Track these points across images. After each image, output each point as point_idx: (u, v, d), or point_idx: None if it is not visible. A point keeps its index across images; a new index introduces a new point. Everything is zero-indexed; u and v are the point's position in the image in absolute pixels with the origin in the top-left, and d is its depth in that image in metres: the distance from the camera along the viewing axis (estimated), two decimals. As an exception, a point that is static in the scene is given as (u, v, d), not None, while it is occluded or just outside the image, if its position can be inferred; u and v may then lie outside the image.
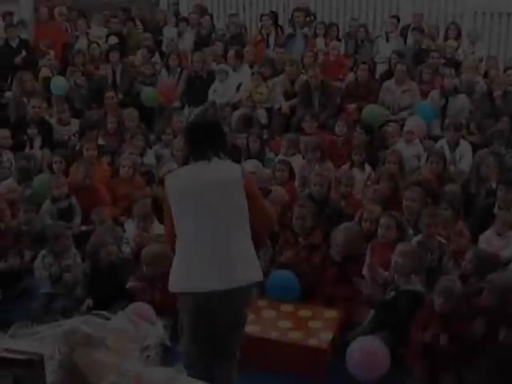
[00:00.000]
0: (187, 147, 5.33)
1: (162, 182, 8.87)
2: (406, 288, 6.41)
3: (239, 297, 4.90)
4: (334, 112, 11.34)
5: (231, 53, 12.60)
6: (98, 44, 13.74)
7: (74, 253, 7.34)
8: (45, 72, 12.56)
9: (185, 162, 5.38)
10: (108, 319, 5.24)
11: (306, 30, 14.07)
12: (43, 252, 7.29)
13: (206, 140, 4.99)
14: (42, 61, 13.35)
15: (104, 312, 5.55)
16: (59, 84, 11.96)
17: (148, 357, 5.20)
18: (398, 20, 14.55)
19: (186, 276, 5.00)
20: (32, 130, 10.46)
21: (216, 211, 4.84)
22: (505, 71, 12.14)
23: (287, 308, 6.63)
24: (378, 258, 6.93)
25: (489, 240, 7.50)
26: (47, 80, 12.12)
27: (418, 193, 7.72)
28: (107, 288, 6.88)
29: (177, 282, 5.06)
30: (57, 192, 8.38)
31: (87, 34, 14.54)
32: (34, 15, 14.40)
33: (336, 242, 7.04)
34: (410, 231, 7.39)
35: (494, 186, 8.41)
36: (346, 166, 9.22)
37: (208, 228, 4.85)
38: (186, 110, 12.24)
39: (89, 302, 6.87)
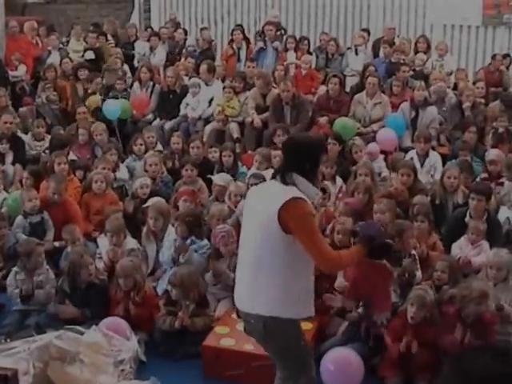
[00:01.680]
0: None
1: (133, 196, 8.94)
2: (378, 299, 6.45)
3: (257, 325, 4.81)
4: (306, 125, 11.39)
5: (204, 67, 12.63)
6: (70, 59, 13.76)
7: (47, 269, 7.32)
8: (94, 101, 12.36)
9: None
10: (82, 334, 5.26)
11: (276, 43, 14.13)
12: (15, 268, 7.26)
13: (289, 158, 4.87)
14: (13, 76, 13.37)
15: (78, 327, 5.58)
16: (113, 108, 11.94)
17: (123, 371, 5.22)
18: (369, 33, 14.70)
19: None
20: (4, 146, 10.41)
21: (252, 237, 4.78)
22: (474, 83, 12.29)
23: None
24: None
25: (461, 248, 7.57)
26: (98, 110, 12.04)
27: (389, 205, 7.78)
28: (82, 306, 6.87)
29: None
30: (28, 205, 8.33)
31: (60, 48, 14.53)
32: (4, 29, 14.35)
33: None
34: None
35: (459, 197, 8.49)
36: (317, 179, 9.24)
37: (244, 250, 4.92)
38: (157, 122, 12.26)
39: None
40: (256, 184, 8.64)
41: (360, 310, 6.13)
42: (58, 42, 14.71)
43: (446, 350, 6.03)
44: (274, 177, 4.90)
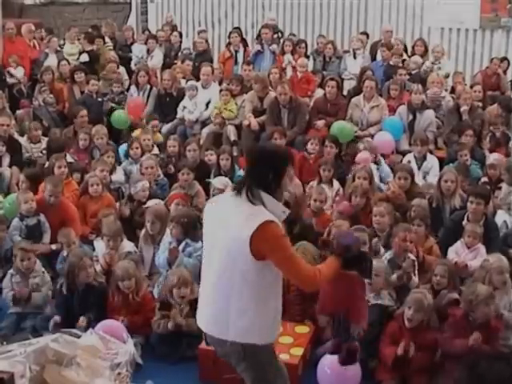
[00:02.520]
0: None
1: (130, 199, 8.94)
2: (375, 302, 6.45)
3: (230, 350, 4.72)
4: (303, 128, 11.39)
5: (207, 69, 12.62)
6: (68, 61, 13.77)
7: (42, 271, 7.30)
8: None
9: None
10: (78, 337, 5.24)
11: (274, 46, 14.13)
12: (11, 271, 7.25)
13: (252, 169, 4.67)
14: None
15: (74, 330, 5.56)
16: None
17: (119, 374, 5.20)
18: (367, 36, 14.71)
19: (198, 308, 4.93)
20: (0, 148, 10.39)
21: (220, 261, 4.60)
22: (471, 87, 12.30)
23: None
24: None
25: (458, 252, 7.57)
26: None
27: (387, 208, 7.78)
28: (81, 308, 6.86)
29: None
30: (24, 207, 8.32)
31: (57, 51, 14.53)
32: (1, 32, 14.34)
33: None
34: (380, 246, 7.44)
35: (456, 200, 8.49)
36: (313, 182, 9.26)
37: (211, 273, 4.70)
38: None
39: (56, 319, 6.83)
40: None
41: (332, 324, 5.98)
42: (57, 44, 14.70)
43: (451, 355, 6.01)
44: (239, 191, 4.62)
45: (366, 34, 14.90)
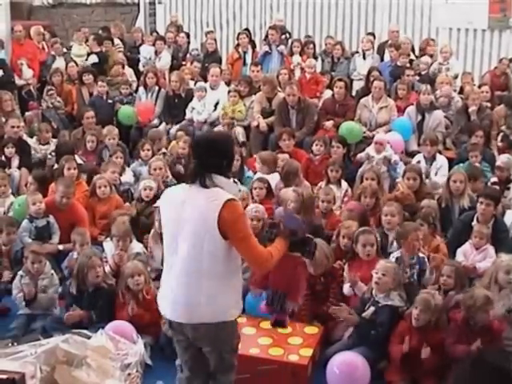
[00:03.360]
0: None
1: (140, 199, 8.96)
2: (385, 303, 6.44)
3: (205, 332, 4.82)
4: (311, 129, 11.39)
5: (216, 70, 12.66)
6: (76, 63, 13.82)
7: (51, 273, 7.32)
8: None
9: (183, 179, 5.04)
10: (88, 338, 5.26)
11: (281, 47, 14.14)
12: (20, 272, 7.26)
13: (203, 159, 4.76)
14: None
15: (84, 331, 5.58)
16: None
17: (129, 375, 5.23)
18: (374, 37, 14.69)
19: (161, 299, 5.00)
20: (10, 150, 10.43)
21: (186, 246, 4.70)
22: (479, 87, 12.28)
23: (267, 325, 6.63)
24: (356, 273, 6.97)
25: (466, 254, 7.56)
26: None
27: (399, 208, 7.79)
28: (90, 310, 6.88)
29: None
30: (33, 209, 8.35)
31: (64, 53, 14.56)
32: (11, 34, 14.38)
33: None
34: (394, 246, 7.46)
35: (465, 201, 8.48)
36: (322, 183, 9.27)
37: (177, 258, 4.77)
38: (162, 126, 12.26)
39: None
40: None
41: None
42: (61, 48, 14.72)
43: (456, 358, 6.01)
44: (192, 181, 4.76)
45: (372, 34, 14.87)
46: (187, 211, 4.69)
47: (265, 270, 5.07)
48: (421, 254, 7.05)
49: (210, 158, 4.74)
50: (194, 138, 5.13)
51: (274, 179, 9.18)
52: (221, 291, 4.72)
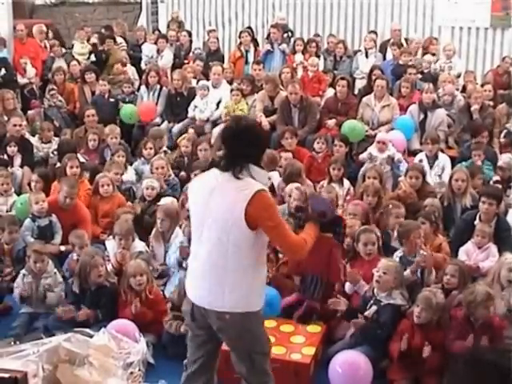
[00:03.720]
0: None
1: (143, 198, 8.97)
2: (387, 302, 6.44)
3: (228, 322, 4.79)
4: (314, 128, 11.39)
5: (218, 68, 12.67)
6: (78, 61, 13.82)
7: (54, 272, 7.32)
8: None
9: (213, 166, 4.98)
10: (91, 337, 5.26)
11: (284, 46, 14.13)
12: (23, 271, 7.27)
13: (235, 147, 4.76)
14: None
15: (87, 329, 5.58)
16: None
17: (132, 374, 5.22)
18: (377, 35, 14.68)
19: (187, 284, 4.99)
20: (12, 149, 10.43)
21: (213, 235, 4.70)
22: (482, 85, 12.27)
23: (270, 323, 6.63)
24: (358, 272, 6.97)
25: (469, 253, 7.56)
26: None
27: (403, 209, 7.83)
28: (93, 308, 6.88)
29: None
30: (35, 208, 8.35)
31: (64, 53, 14.56)
32: (13, 33, 14.39)
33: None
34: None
35: (467, 200, 8.48)
36: (324, 182, 9.27)
37: (203, 247, 4.78)
38: (165, 125, 12.26)
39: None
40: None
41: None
42: (61, 49, 14.70)
43: (455, 355, 6.01)
44: (225, 169, 4.74)
45: (374, 32, 14.85)
46: (215, 200, 4.70)
47: (300, 256, 5.07)
48: (423, 252, 7.04)
49: (243, 147, 4.73)
50: (225, 127, 5.07)
51: (273, 178, 9.16)
52: (244, 282, 4.73)
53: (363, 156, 10.18)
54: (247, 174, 4.70)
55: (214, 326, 4.85)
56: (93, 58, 14.26)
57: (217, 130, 11.74)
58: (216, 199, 4.69)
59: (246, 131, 4.79)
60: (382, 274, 6.49)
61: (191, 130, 11.38)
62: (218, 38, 15.30)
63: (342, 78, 11.96)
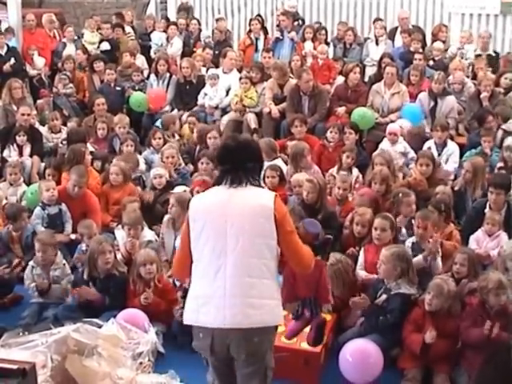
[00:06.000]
0: (218, 168, 4.92)
1: (153, 188, 8.97)
2: (397, 291, 6.42)
3: (250, 337, 4.50)
4: (323, 116, 11.35)
5: (231, 54, 12.70)
6: (86, 50, 13.82)
7: (63, 263, 7.32)
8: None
9: (215, 184, 4.80)
10: (100, 327, 5.25)
11: (293, 34, 14.07)
12: (31, 263, 7.27)
13: (238, 162, 4.66)
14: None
15: (96, 320, 5.57)
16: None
17: (141, 364, 5.21)
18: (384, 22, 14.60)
19: (201, 308, 4.60)
20: (22, 138, 10.42)
21: (238, 241, 4.48)
22: (493, 73, 12.19)
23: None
24: (371, 260, 6.95)
25: (479, 241, 7.53)
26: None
27: (414, 197, 7.81)
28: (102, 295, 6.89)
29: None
30: (46, 195, 8.36)
31: (75, 40, 14.54)
32: (22, 22, 14.38)
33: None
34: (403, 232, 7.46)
35: (478, 190, 8.45)
36: (333, 170, 9.24)
37: (230, 260, 4.49)
38: (174, 113, 12.23)
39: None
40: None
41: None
42: (74, 34, 14.70)
43: (470, 344, 5.99)
44: (231, 183, 4.62)
45: (380, 20, 14.70)
46: (236, 207, 4.53)
47: (308, 269, 4.83)
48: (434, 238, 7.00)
49: (247, 162, 4.68)
50: (222, 146, 5.01)
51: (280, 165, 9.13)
52: (268, 292, 4.53)
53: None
54: (253, 185, 4.67)
55: (238, 352, 4.55)
56: (103, 46, 14.21)
57: (226, 119, 11.73)
58: (237, 206, 4.54)
59: (246, 147, 4.79)
60: (381, 263, 6.51)
61: (191, 118, 11.31)
62: (226, 27, 15.22)
63: (357, 65, 11.91)
